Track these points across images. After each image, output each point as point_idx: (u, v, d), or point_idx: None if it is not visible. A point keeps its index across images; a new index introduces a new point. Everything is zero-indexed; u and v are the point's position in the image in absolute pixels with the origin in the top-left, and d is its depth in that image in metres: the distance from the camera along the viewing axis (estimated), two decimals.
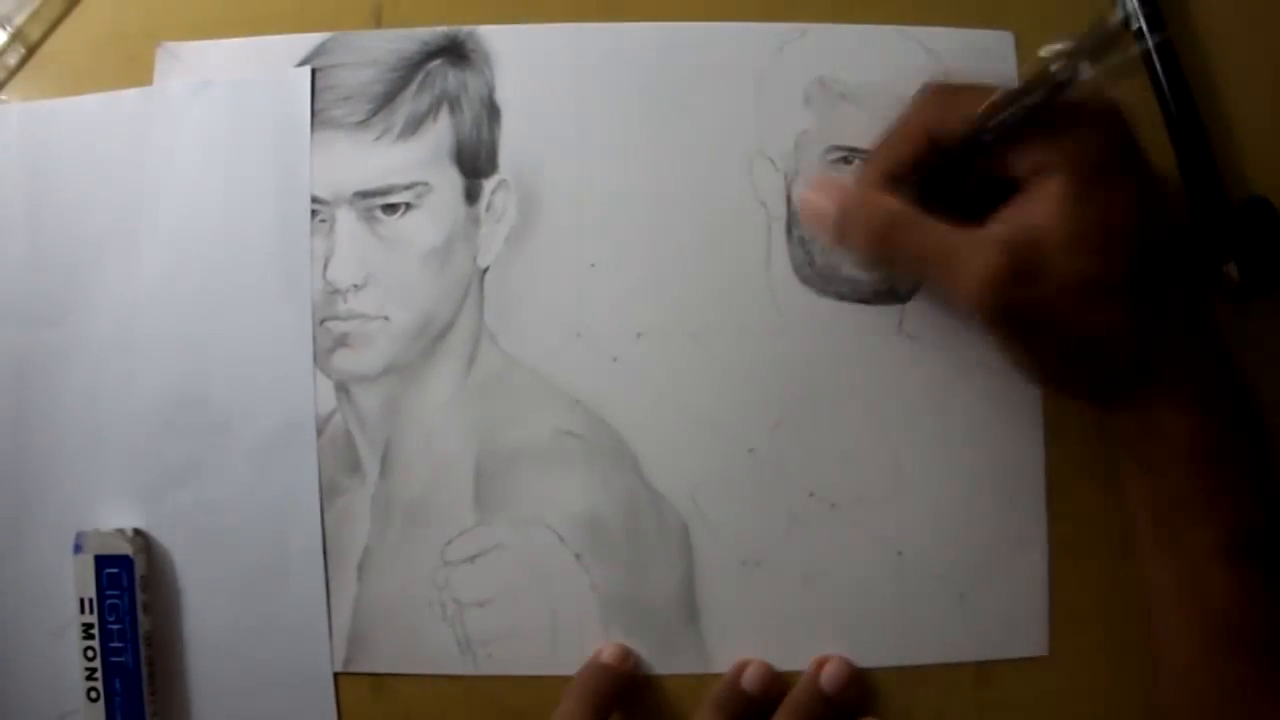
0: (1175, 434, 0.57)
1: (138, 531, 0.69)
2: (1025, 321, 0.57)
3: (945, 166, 0.60)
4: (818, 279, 0.68)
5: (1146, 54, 0.69)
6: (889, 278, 0.68)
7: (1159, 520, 0.60)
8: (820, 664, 0.66)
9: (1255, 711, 0.57)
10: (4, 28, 0.73)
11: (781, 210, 0.69)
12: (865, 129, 0.67)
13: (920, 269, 0.62)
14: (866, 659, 0.67)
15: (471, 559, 0.68)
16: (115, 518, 0.70)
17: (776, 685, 0.66)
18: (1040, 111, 0.56)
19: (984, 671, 0.67)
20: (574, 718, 0.64)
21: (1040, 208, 0.56)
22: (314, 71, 0.71)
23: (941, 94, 0.61)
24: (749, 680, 0.66)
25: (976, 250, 0.57)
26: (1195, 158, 0.68)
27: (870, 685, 0.67)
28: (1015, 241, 0.56)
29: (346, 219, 0.69)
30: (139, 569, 0.68)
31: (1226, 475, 0.57)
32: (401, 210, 0.69)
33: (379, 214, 0.69)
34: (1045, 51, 0.55)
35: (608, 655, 0.67)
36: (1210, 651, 0.58)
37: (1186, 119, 0.68)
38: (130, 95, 0.72)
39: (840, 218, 0.62)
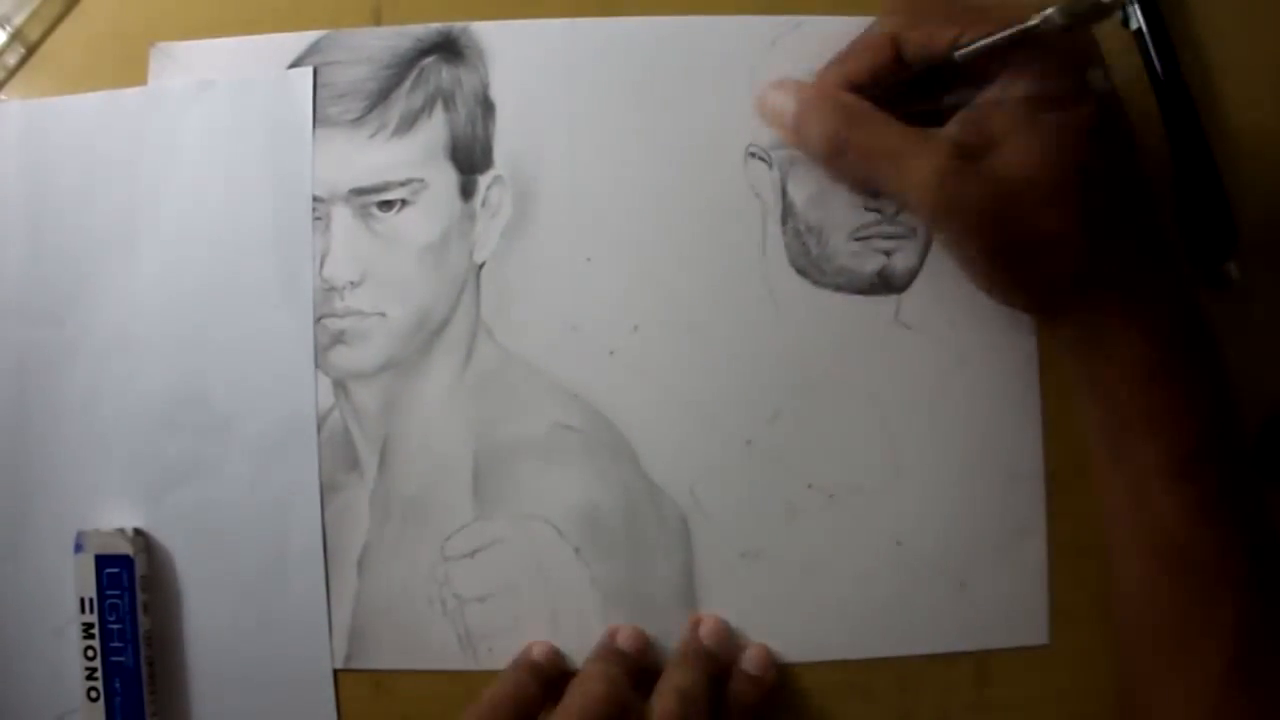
0: (1122, 350, 0.58)
1: (138, 531, 0.69)
2: (971, 221, 0.58)
3: (907, 82, 0.61)
4: (814, 270, 0.68)
5: (1145, 53, 0.69)
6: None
7: (1107, 441, 0.60)
8: (696, 622, 0.67)
9: (1193, 626, 0.57)
10: (3, 27, 0.73)
11: (776, 202, 0.69)
12: None
13: (872, 165, 0.61)
14: (866, 649, 0.67)
15: (471, 554, 0.68)
16: (116, 517, 0.70)
17: (729, 639, 0.67)
18: (1010, 48, 0.57)
19: (984, 660, 0.67)
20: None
21: (995, 112, 0.57)
22: (315, 70, 0.71)
23: (914, 9, 0.61)
24: (623, 639, 0.66)
25: (927, 148, 0.57)
26: (1195, 157, 0.68)
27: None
28: (966, 141, 0.57)
29: (342, 216, 0.69)
30: (139, 568, 0.68)
31: (1173, 395, 0.58)
32: (397, 207, 0.69)
33: (375, 211, 0.69)
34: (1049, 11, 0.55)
35: (537, 654, 0.67)
36: (1153, 569, 0.59)
37: (1186, 118, 0.68)
38: (132, 94, 0.72)
39: (798, 111, 0.63)
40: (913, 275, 0.68)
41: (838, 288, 0.68)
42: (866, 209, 0.68)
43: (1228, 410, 0.59)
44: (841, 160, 0.62)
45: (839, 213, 0.68)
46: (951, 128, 0.58)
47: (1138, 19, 0.69)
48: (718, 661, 0.66)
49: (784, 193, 0.68)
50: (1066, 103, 0.57)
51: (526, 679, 0.65)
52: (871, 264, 0.68)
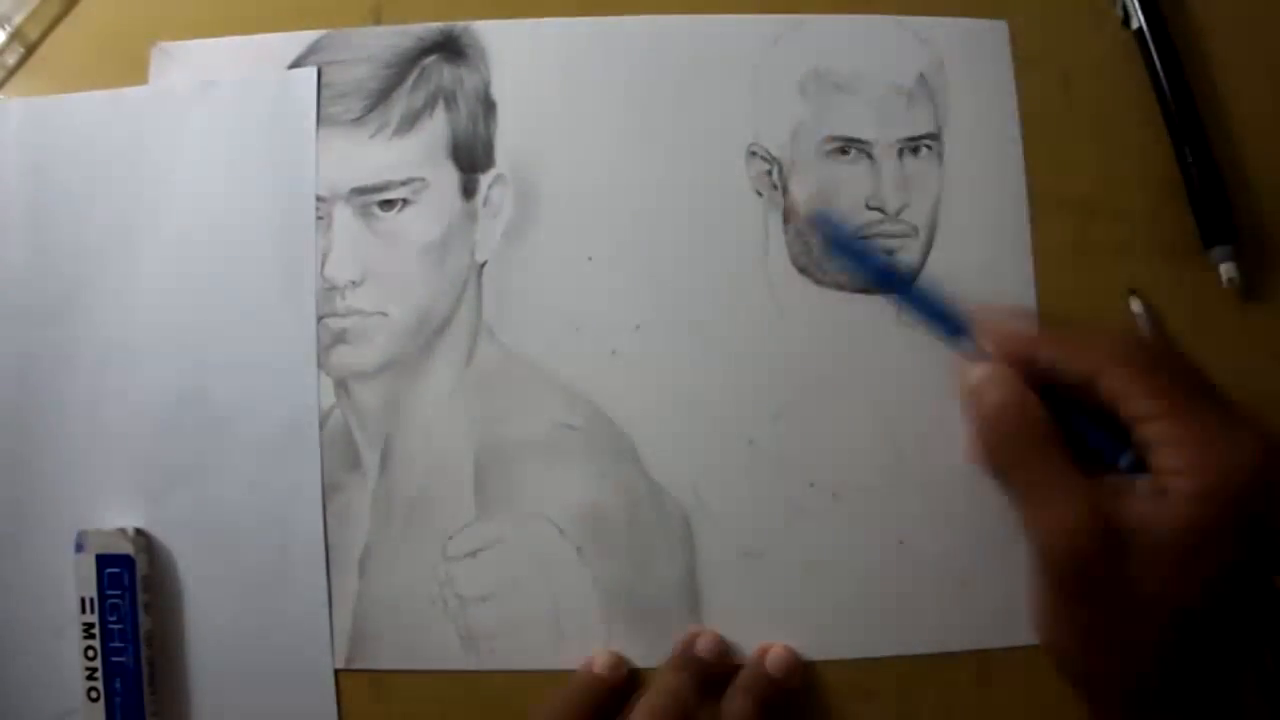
0: None
1: (139, 531, 0.69)
2: (1083, 605, 0.53)
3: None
4: (815, 269, 0.68)
5: (1146, 52, 0.70)
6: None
7: None
8: (765, 650, 0.67)
9: None
10: (3, 27, 0.73)
11: (778, 201, 0.69)
12: (860, 119, 0.68)
13: (1012, 483, 0.55)
14: (869, 648, 0.67)
15: (473, 554, 0.68)
16: (117, 517, 0.70)
17: (727, 653, 0.67)
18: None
19: (985, 660, 0.67)
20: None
21: (1156, 500, 0.51)
22: (319, 70, 0.71)
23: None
24: (703, 647, 0.66)
25: (1069, 498, 0.52)
26: (1195, 157, 0.68)
27: (813, 674, 0.67)
28: (1107, 510, 0.51)
29: (344, 216, 0.70)
30: (140, 569, 0.68)
31: None
32: (398, 206, 0.69)
33: (376, 210, 0.69)
34: None
35: (600, 665, 0.67)
36: None
37: (1186, 118, 0.69)
38: (135, 93, 0.72)
39: (977, 390, 0.56)
40: (914, 274, 0.68)
41: (840, 287, 0.68)
42: (868, 207, 0.68)
43: None
44: (986, 460, 0.56)
45: (841, 212, 0.68)
46: (1105, 486, 0.52)
47: (1138, 19, 0.69)
48: (711, 669, 0.66)
49: (785, 192, 0.69)
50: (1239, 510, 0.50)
51: (587, 695, 0.66)
52: None
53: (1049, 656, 0.57)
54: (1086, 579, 0.52)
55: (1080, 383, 0.54)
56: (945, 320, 0.57)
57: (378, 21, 0.71)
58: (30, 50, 0.74)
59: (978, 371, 0.56)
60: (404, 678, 0.68)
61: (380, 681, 0.68)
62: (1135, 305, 0.68)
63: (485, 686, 0.67)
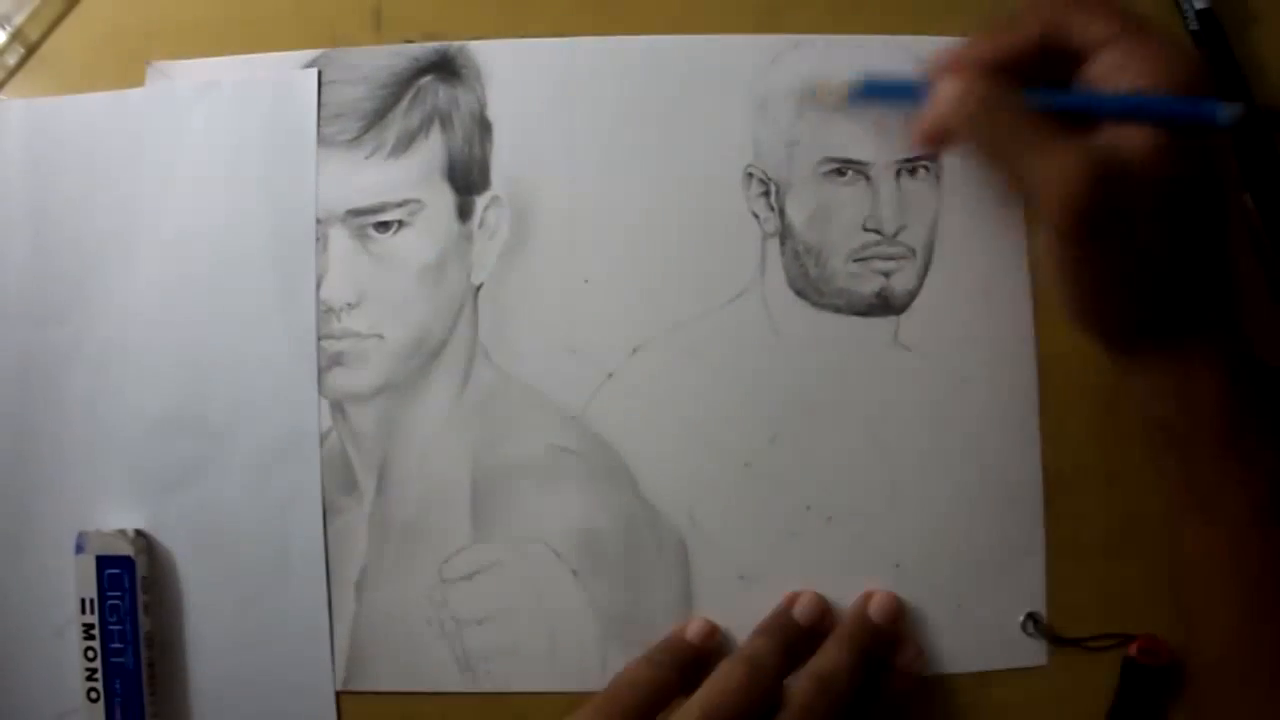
0: (1208, 392, 0.57)
1: (140, 533, 0.69)
2: (1102, 232, 0.55)
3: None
4: (812, 291, 0.68)
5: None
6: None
7: (1193, 488, 0.59)
8: (868, 596, 0.67)
9: None
10: (3, 27, 0.72)
11: (775, 223, 0.68)
12: (858, 140, 0.68)
13: (1007, 154, 0.57)
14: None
15: (469, 576, 0.68)
16: (117, 518, 0.70)
17: (827, 616, 0.67)
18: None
19: (982, 680, 0.67)
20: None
21: (1130, 139, 0.54)
22: (320, 72, 0.71)
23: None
24: (800, 612, 0.66)
25: (1071, 152, 0.54)
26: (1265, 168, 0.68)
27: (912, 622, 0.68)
28: (1110, 152, 0.54)
29: (339, 237, 0.69)
30: (140, 570, 0.69)
31: (1260, 436, 0.57)
32: (394, 228, 0.69)
33: (371, 232, 0.69)
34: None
35: (692, 632, 0.67)
36: (1249, 617, 0.58)
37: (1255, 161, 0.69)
38: (136, 94, 0.72)
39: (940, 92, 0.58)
40: (912, 296, 0.68)
41: (837, 309, 0.68)
42: (865, 229, 0.68)
43: None
44: (978, 141, 0.59)
45: (837, 233, 0.68)
46: (1095, 140, 0.55)
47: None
48: (877, 640, 0.66)
49: (782, 213, 0.68)
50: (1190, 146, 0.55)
51: (667, 662, 0.64)
52: (870, 285, 0.68)
53: (1071, 318, 0.60)
54: (1090, 223, 0.54)
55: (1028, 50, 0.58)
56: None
57: (377, 23, 0.71)
58: (30, 50, 0.74)
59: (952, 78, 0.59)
60: (401, 699, 0.68)
61: (378, 703, 0.68)
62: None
63: (483, 708, 0.68)
